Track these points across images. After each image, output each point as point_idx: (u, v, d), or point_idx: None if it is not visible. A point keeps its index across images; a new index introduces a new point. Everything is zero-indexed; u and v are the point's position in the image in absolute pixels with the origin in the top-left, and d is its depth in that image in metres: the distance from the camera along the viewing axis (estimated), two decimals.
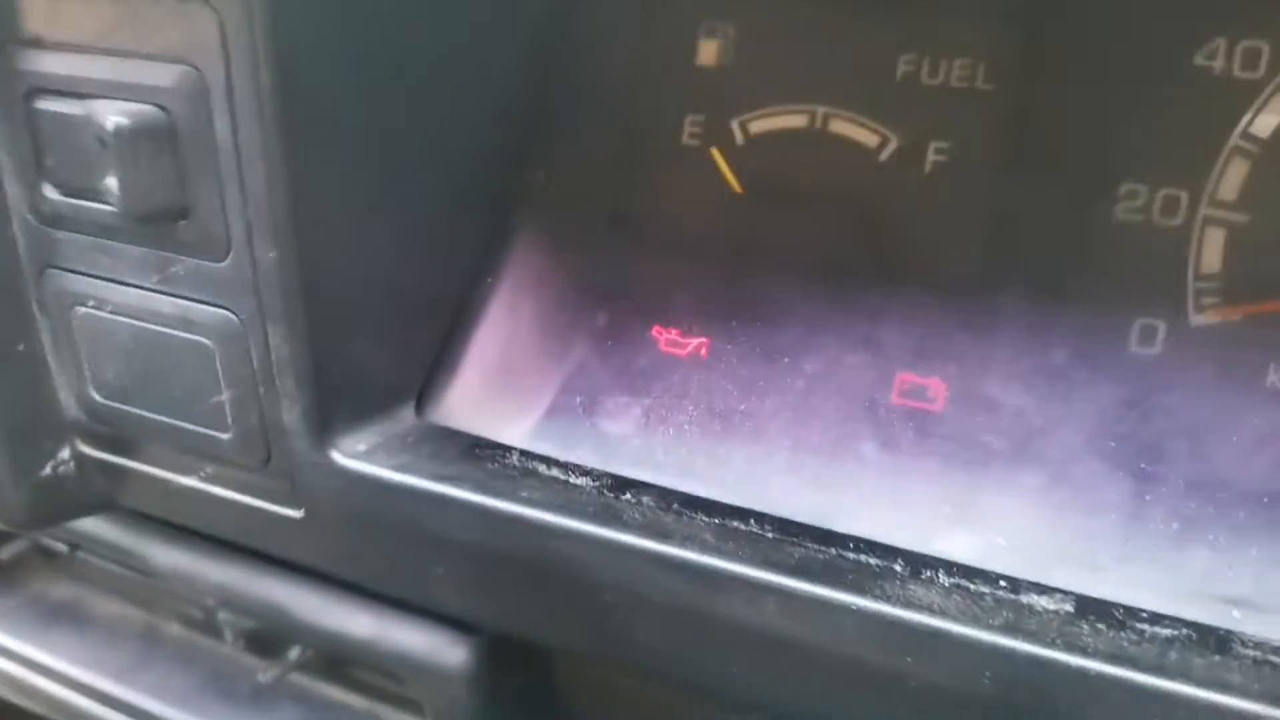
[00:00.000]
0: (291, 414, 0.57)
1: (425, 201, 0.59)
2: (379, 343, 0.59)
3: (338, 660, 0.76)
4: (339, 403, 0.57)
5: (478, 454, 0.59)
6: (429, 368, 0.63)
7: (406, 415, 0.62)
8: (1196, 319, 0.52)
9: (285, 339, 0.55)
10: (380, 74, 0.55)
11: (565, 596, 0.54)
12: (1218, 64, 0.51)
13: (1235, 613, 0.44)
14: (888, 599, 0.46)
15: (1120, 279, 0.53)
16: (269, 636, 0.78)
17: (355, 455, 0.58)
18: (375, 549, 0.60)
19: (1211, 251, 0.52)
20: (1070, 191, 0.54)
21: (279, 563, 0.68)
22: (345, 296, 0.57)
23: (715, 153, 0.62)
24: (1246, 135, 0.51)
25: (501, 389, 0.64)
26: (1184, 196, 0.52)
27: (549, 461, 0.58)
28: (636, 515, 0.53)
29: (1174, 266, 0.53)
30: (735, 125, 0.61)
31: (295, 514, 0.61)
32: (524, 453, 0.59)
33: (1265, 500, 0.48)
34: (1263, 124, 0.50)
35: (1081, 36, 0.54)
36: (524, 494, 0.54)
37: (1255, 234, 0.51)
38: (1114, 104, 0.53)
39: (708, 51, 0.62)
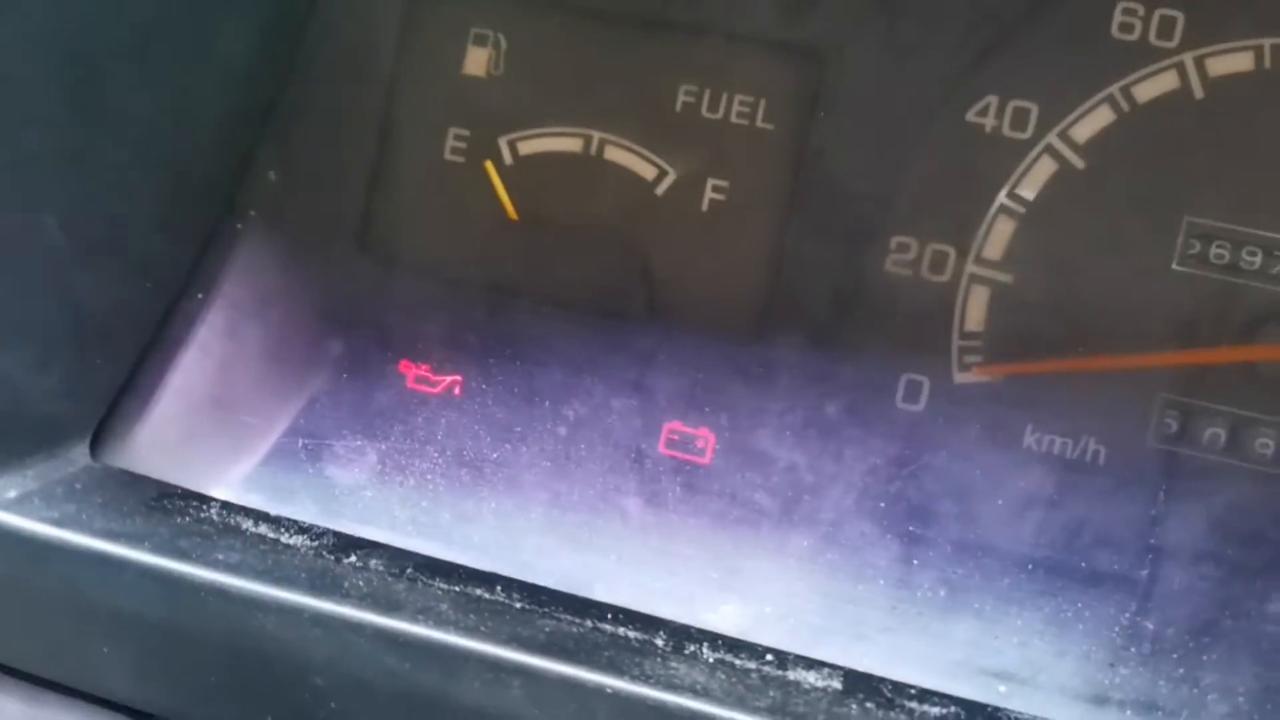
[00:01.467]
0: None
1: (111, 190, 0.51)
2: (39, 363, 0.50)
3: None
4: None
5: (166, 506, 0.50)
6: (112, 399, 0.54)
7: (77, 456, 0.53)
8: (960, 377, 0.52)
9: None
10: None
11: (266, 681, 0.45)
12: (988, 121, 0.51)
13: (1001, 687, 0.43)
14: (646, 679, 0.42)
15: (889, 333, 0.53)
16: None
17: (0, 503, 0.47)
18: (24, 620, 0.49)
19: (976, 309, 0.52)
20: (844, 241, 0.54)
21: None
22: None
23: (490, 170, 0.57)
24: (1013, 195, 0.51)
25: (207, 428, 0.55)
26: (952, 253, 0.52)
27: (257, 516, 0.49)
28: (360, 582, 0.46)
29: (941, 323, 0.53)
30: (504, 144, 0.57)
31: None
32: (226, 505, 0.50)
33: (1029, 567, 0.48)
34: (1029, 185, 0.51)
35: (861, 83, 0.53)
36: (219, 556, 0.46)
37: (1018, 294, 0.52)
38: (889, 155, 0.53)
39: (476, 60, 0.57)
